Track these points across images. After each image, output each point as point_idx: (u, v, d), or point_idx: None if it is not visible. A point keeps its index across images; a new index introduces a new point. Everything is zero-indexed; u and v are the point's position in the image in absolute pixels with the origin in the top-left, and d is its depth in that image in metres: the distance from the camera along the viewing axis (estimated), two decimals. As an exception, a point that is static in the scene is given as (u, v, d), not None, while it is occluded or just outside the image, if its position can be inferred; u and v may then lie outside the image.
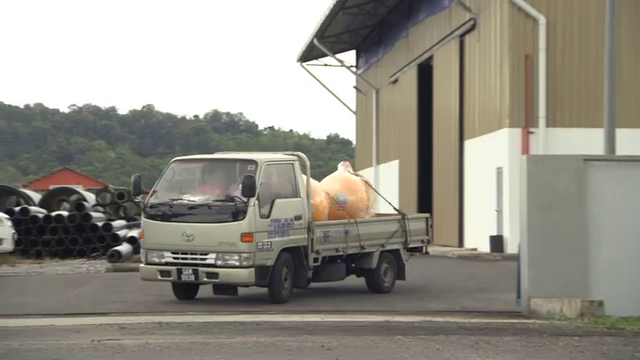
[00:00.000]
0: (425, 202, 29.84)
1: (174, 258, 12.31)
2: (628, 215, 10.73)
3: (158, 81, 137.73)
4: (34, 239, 21.92)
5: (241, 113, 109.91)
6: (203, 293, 12.87)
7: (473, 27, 24.43)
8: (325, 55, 37.31)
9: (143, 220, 12.65)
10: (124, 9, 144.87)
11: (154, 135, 79.34)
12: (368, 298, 12.80)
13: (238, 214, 12.10)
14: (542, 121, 20.85)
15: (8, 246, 17.70)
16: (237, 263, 12.02)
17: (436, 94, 28.77)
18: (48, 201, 24.66)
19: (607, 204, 10.69)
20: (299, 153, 13.12)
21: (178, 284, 12.64)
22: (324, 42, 35.64)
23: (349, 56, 40.05)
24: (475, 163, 24.24)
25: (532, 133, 20.72)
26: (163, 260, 12.36)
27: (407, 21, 31.64)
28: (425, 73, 30.23)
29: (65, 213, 22.53)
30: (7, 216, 18.41)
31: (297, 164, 12.77)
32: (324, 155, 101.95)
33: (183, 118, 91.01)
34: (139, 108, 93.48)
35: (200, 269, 12.15)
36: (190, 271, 12.18)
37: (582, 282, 10.53)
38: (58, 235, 21.82)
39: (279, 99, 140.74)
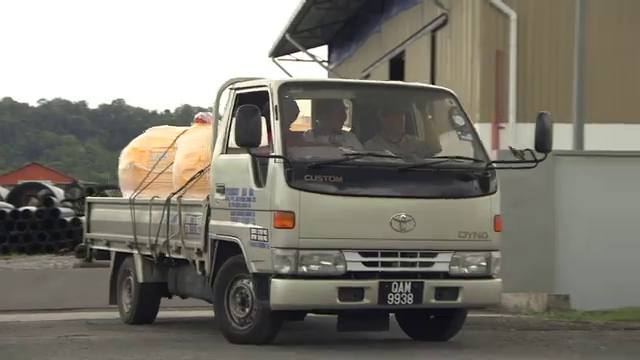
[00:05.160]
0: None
1: (367, 264, 7.01)
2: (595, 210, 10.82)
3: (128, 75, 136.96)
4: (1, 235, 21.73)
5: (210, 108, 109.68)
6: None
7: (445, 22, 24.46)
8: (297, 50, 37.29)
9: (285, 192, 6.88)
10: (92, 2, 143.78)
11: (124, 130, 79.01)
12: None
13: (488, 183, 7.36)
14: (512, 116, 20.95)
15: (-25, 241, 17.50)
16: (485, 270, 7.31)
17: (407, 89, 28.78)
18: (16, 196, 24.49)
19: (575, 199, 10.79)
20: None
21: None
22: (296, 37, 35.59)
23: (322, 51, 40.09)
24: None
25: (502, 128, 20.83)
26: (342, 268, 6.96)
27: (380, 16, 31.66)
28: (397, 68, 30.29)
29: (33, 208, 22.37)
30: (-26, 211, 18.21)
31: None
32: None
33: (154, 113, 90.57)
34: (109, 102, 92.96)
35: (427, 282, 7.11)
36: (408, 287, 7.03)
37: (548, 277, 10.61)
38: (26, 231, 21.65)
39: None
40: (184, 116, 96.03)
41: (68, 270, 17.07)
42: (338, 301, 7.00)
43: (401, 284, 7.06)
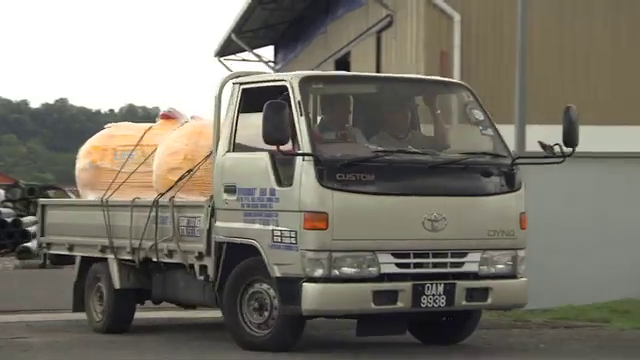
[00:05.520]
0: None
1: (399, 265, 6.84)
2: (535, 210, 10.95)
3: (72, 74, 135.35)
4: (-60, 236, 21.34)
5: (157, 107, 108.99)
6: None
7: (390, 24, 24.61)
8: (243, 50, 37.20)
9: (316, 191, 6.67)
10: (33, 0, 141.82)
11: (67, 129, 78.04)
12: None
13: (514, 179, 7.27)
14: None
15: None
16: (512, 269, 7.25)
17: (353, 90, 28.90)
18: (-45, 196, 23.99)
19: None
20: None
21: None
22: (242, 37, 35.50)
23: (268, 51, 40.05)
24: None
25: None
26: (376, 271, 6.76)
27: (325, 17, 31.72)
28: (342, 69, 30.34)
29: (-27, 209, 22.00)
30: None
31: None
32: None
33: (98, 112, 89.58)
34: (52, 102, 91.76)
35: (458, 284, 6.95)
36: (441, 289, 6.86)
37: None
38: (-35, 231, 21.29)
39: (197, 93, 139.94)
40: (128, 115, 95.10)
41: (8, 272, 16.81)
42: (373, 305, 6.73)
43: (434, 286, 6.83)
